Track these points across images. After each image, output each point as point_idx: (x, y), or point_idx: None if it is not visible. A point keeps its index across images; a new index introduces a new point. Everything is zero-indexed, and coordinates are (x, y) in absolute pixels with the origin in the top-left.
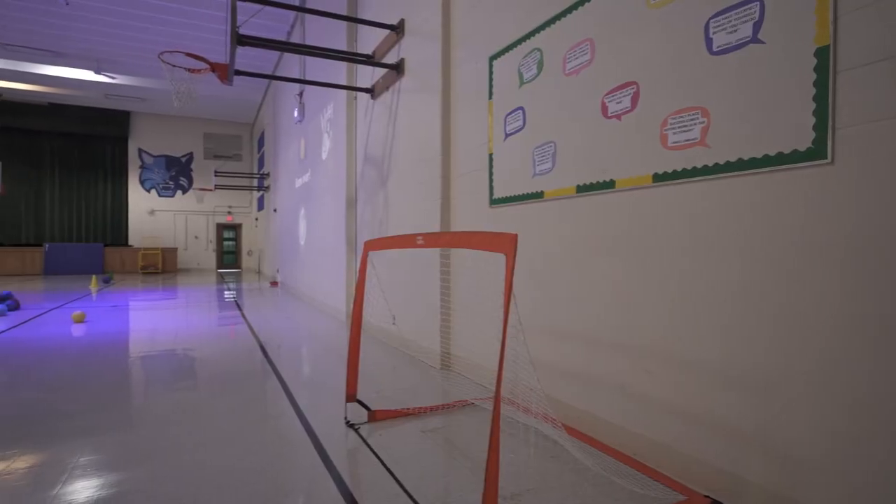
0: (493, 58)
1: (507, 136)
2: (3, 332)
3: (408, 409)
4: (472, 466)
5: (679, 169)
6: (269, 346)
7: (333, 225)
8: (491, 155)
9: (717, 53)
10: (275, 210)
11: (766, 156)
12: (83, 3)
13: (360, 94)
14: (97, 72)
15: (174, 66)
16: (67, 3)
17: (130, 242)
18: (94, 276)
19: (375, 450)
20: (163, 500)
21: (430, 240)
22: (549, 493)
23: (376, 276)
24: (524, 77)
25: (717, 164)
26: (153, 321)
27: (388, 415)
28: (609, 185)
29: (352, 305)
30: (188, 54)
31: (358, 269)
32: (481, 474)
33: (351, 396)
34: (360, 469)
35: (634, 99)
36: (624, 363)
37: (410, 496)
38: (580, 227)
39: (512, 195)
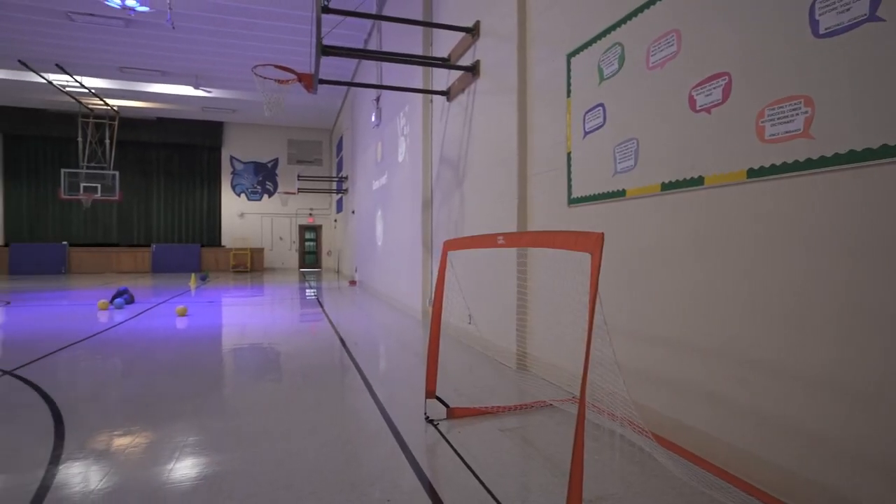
0: (571, 55)
1: (586, 134)
2: (121, 322)
3: (486, 407)
4: (551, 468)
5: (778, 163)
6: (350, 342)
7: (409, 225)
8: (569, 154)
9: (825, 36)
10: (353, 212)
11: (884, 146)
12: (187, 25)
13: (436, 97)
14: (196, 87)
15: (265, 78)
16: (174, 27)
17: (223, 243)
18: (192, 274)
19: (455, 445)
20: (260, 481)
21: (511, 239)
22: (634, 499)
23: (455, 275)
24: (604, 73)
25: (822, 157)
26: (243, 316)
27: (466, 412)
28: (697, 181)
29: (427, 304)
30: (277, 66)
31: (434, 269)
32: (562, 476)
33: (430, 393)
34: (440, 463)
35: (726, 90)
36: (713, 369)
37: (491, 493)
38: (665, 225)
39: (591, 194)
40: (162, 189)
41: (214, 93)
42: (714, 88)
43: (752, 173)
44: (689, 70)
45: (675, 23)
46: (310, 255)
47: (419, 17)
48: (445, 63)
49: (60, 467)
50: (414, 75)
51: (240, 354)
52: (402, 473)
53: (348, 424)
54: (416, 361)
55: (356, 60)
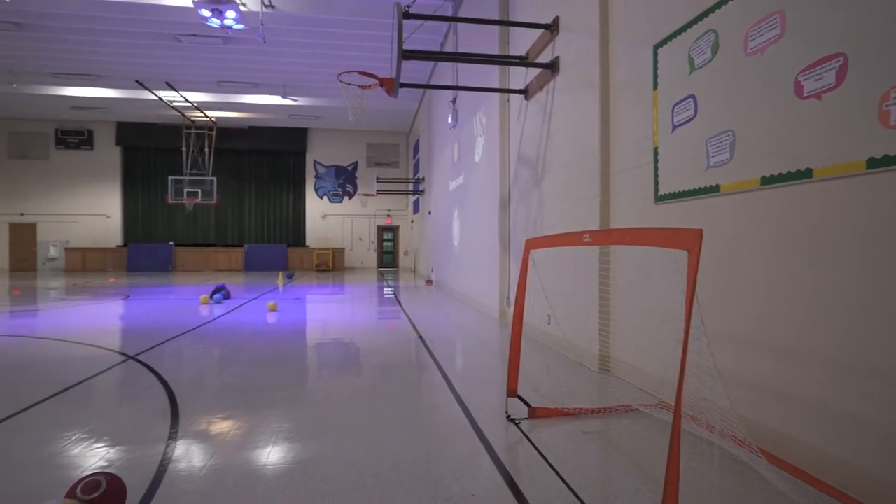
0: (657, 46)
1: (674, 127)
2: (220, 316)
3: (567, 408)
4: (640, 475)
5: None
6: (428, 339)
7: (486, 225)
8: (656, 149)
9: None
10: (429, 212)
11: None
12: (276, 39)
13: (513, 96)
14: (284, 96)
15: (349, 84)
16: (265, 42)
17: (307, 243)
18: (280, 273)
19: (537, 446)
20: (349, 468)
21: (598, 237)
22: None
23: (537, 274)
24: (695, 63)
25: None
26: (326, 313)
27: (548, 413)
28: (804, 174)
29: (505, 303)
30: (361, 72)
31: (512, 268)
32: (652, 483)
33: (512, 392)
34: (523, 462)
35: (841, 73)
36: (828, 379)
37: (577, 496)
38: (766, 222)
39: (681, 190)
40: (253, 193)
41: (300, 101)
42: (826, 72)
43: (874, 163)
44: (794, 53)
45: (779, 3)
46: (387, 255)
47: (496, 17)
48: (523, 61)
49: (178, 443)
50: (491, 75)
51: (325, 349)
52: (485, 470)
53: (430, 419)
54: (494, 360)
55: (432, 63)
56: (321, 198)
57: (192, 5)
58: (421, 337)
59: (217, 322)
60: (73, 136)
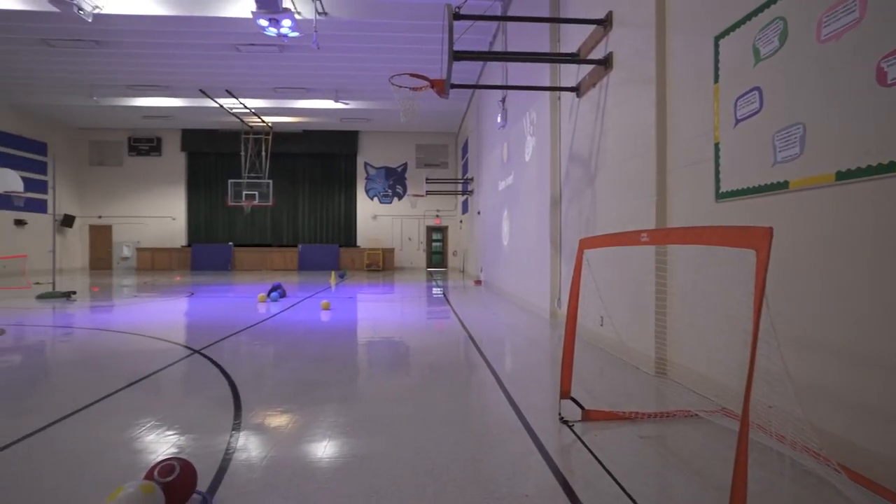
0: (719, 37)
1: (737, 121)
2: (276, 314)
3: (622, 412)
4: (701, 482)
5: None
6: (478, 339)
7: (537, 225)
8: (717, 144)
9: None
10: (478, 212)
11: None
12: (329, 45)
13: (564, 94)
14: (336, 100)
15: (400, 86)
16: (318, 48)
17: (358, 243)
18: (332, 272)
19: (591, 449)
20: (402, 464)
21: (657, 236)
22: None
23: (591, 274)
24: (761, 53)
25: None
26: (377, 312)
27: (602, 416)
28: (887, 168)
29: (555, 304)
30: (412, 74)
31: (563, 268)
32: (714, 492)
33: (565, 393)
34: (576, 465)
35: None
36: None
37: (634, 501)
38: (842, 220)
39: (745, 187)
40: (307, 195)
41: (351, 104)
42: None
43: None
44: (876, 38)
45: None
46: (436, 255)
47: (546, 14)
48: (575, 58)
49: (241, 434)
50: (541, 74)
51: (376, 347)
52: (538, 471)
53: (481, 418)
54: (544, 361)
55: (481, 64)
56: (372, 199)
57: (250, 16)
58: (471, 336)
59: (274, 319)
60: (144, 143)
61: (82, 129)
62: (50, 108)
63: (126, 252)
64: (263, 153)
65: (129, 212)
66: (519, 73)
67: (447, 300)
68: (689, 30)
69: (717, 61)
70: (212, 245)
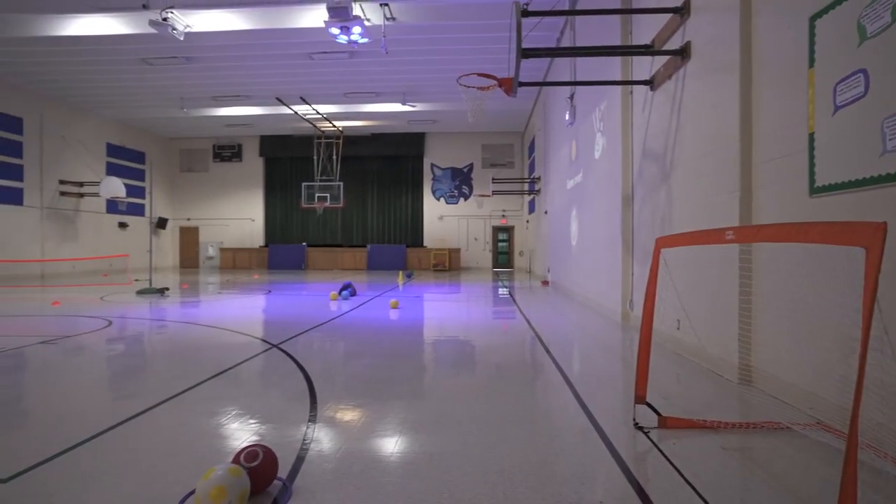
0: (814, 17)
1: (836, 108)
2: (348, 312)
3: (702, 420)
4: (795, 502)
5: None
6: (546, 340)
7: (607, 224)
8: (812, 134)
9: None
10: (545, 212)
11: None
12: (397, 49)
13: (637, 88)
14: (403, 103)
15: (468, 87)
16: (387, 53)
17: (425, 244)
18: (400, 272)
19: (669, 457)
20: (473, 463)
21: (745, 234)
22: None
23: (669, 275)
24: (867, 31)
25: None
26: (443, 311)
27: (680, 423)
28: None
29: (627, 305)
30: (480, 74)
31: (636, 269)
32: None
33: (640, 398)
34: (653, 473)
35: None
36: None
37: None
38: None
39: (846, 180)
40: (375, 196)
41: (418, 107)
42: None
43: None
44: None
45: None
46: (502, 256)
47: (617, 6)
48: (648, 50)
49: (316, 426)
50: (612, 68)
51: (443, 345)
52: (612, 477)
53: (552, 420)
54: (617, 364)
55: (547, 60)
56: (438, 199)
57: (323, 25)
58: (538, 337)
59: (345, 317)
60: (227, 150)
61: (174, 139)
62: (147, 120)
63: (211, 252)
64: (334, 156)
65: (213, 214)
66: (588, 68)
67: (514, 300)
68: (779, 12)
69: (812, 43)
70: (287, 245)
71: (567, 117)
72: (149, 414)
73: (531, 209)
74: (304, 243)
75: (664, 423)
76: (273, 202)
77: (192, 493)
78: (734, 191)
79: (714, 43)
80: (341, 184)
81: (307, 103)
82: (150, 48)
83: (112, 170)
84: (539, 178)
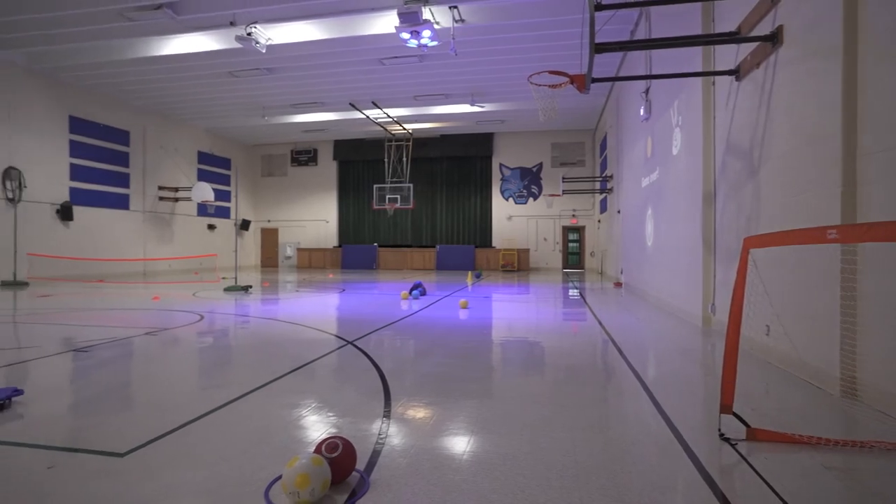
0: None
1: None
2: (418, 311)
3: (798, 435)
4: None
5: None
6: (621, 343)
7: (686, 223)
8: None
9: None
10: (618, 211)
11: None
12: (465, 50)
13: (720, 79)
14: (472, 104)
15: (539, 85)
16: (456, 55)
17: (493, 244)
18: (469, 272)
19: (762, 473)
20: (546, 466)
21: (852, 233)
22: None
23: (759, 277)
24: None
25: None
26: (512, 312)
27: (772, 437)
28: None
29: (709, 309)
30: (551, 72)
31: (716, 270)
32: None
33: (726, 408)
34: (742, 489)
35: None
36: None
37: None
38: None
39: None
40: (444, 197)
41: (487, 107)
42: None
43: None
44: None
45: None
46: (572, 256)
47: None
48: (734, 37)
49: (391, 421)
50: (691, 59)
51: (513, 346)
52: (695, 489)
53: (628, 426)
54: (697, 371)
55: (620, 55)
56: (507, 199)
57: (394, 31)
58: (612, 340)
59: (416, 316)
60: (303, 154)
61: (255, 145)
62: (232, 129)
63: (289, 252)
64: (404, 158)
65: (291, 216)
66: (664, 60)
67: (585, 302)
68: None
69: None
70: (359, 245)
71: (642, 113)
72: (237, 403)
73: (603, 208)
74: (375, 244)
75: (753, 435)
76: (346, 204)
77: (279, 478)
78: (835, 185)
79: (811, 26)
80: (411, 185)
81: (378, 107)
82: (235, 62)
83: (202, 176)
84: (611, 177)
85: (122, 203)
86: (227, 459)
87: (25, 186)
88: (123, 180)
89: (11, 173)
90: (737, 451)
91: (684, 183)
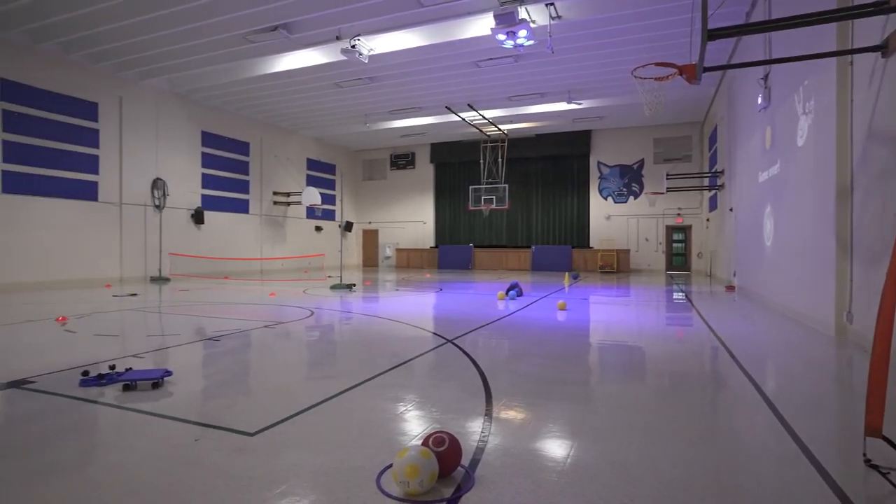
0: None
1: None
2: (515, 311)
3: None
4: None
5: None
6: (736, 352)
7: (814, 221)
8: None
9: None
10: (730, 209)
11: None
12: (562, 47)
13: (860, 57)
14: (568, 102)
15: (643, 78)
16: (553, 52)
17: (591, 244)
18: (566, 273)
19: None
20: (659, 476)
21: None
22: None
23: None
24: None
25: None
26: (612, 314)
27: None
28: None
29: (844, 318)
30: (657, 63)
31: (853, 274)
32: None
33: (874, 430)
34: None
35: None
36: None
37: None
38: None
39: None
40: (539, 197)
41: (584, 104)
42: None
43: None
44: None
45: None
46: (677, 257)
47: None
48: (881, 8)
49: (493, 420)
50: (821, 38)
51: (614, 350)
52: None
53: (747, 441)
54: (830, 385)
55: (733, 40)
56: (605, 199)
57: (489, 33)
58: (726, 348)
59: (513, 316)
60: (402, 158)
61: (357, 151)
62: (337, 136)
63: (388, 252)
64: (500, 159)
65: (390, 217)
66: (787, 42)
67: (692, 306)
68: None
69: None
70: (455, 246)
71: (759, 101)
72: (347, 394)
73: (712, 206)
74: (470, 244)
75: None
76: (442, 205)
77: (389, 467)
78: None
79: None
80: (506, 186)
81: (474, 109)
82: (340, 73)
83: (310, 181)
84: (722, 172)
85: (243, 208)
86: (342, 446)
87: (168, 194)
88: (244, 187)
89: (158, 183)
90: (889, 481)
91: (812, 176)
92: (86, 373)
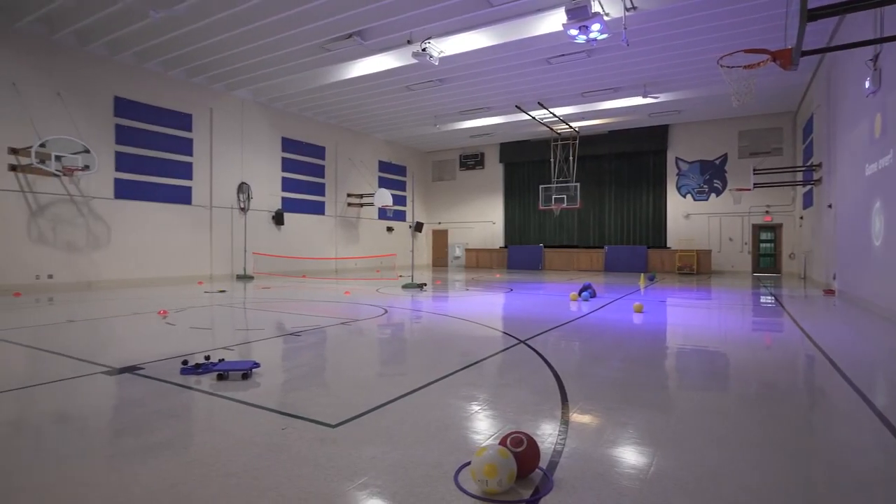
0: None
1: None
2: (589, 313)
3: None
4: None
5: None
6: (839, 362)
7: None
8: None
9: None
10: (829, 206)
11: None
12: (638, 39)
13: None
14: (644, 96)
15: (731, 67)
16: (628, 45)
17: (668, 244)
18: (641, 274)
19: None
20: (755, 495)
21: None
22: None
23: None
24: None
25: None
26: (693, 318)
27: None
28: None
29: None
30: (747, 51)
31: None
32: None
33: None
34: None
35: None
36: None
37: None
38: None
39: None
40: (612, 195)
41: (661, 98)
42: None
43: None
44: None
45: None
46: (765, 258)
47: None
48: None
49: (570, 423)
50: None
51: (695, 355)
52: None
53: (859, 461)
54: None
55: (833, 21)
56: (684, 196)
57: (561, 29)
58: (827, 357)
59: (587, 318)
60: (471, 159)
61: (427, 152)
62: (407, 138)
63: (457, 252)
64: (571, 158)
65: (459, 218)
66: None
67: (784, 311)
68: None
69: None
70: (524, 246)
71: (867, 85)
72: (422, 391)
73: (807, 203)
74: (540, 244)
75: None
76: (512, 205)
77: (467, 464)
78: None
79: None
80: (578, 185)
81: (544, 107)
82: (411, 76)
83: (382, 183)
84: (819, 166)
85: (319, 209)
86: (419, 442)
87: (252, 198)
88: (320, 189)
89: (243, 187)
90: None
91: None
92: (185, 362)
